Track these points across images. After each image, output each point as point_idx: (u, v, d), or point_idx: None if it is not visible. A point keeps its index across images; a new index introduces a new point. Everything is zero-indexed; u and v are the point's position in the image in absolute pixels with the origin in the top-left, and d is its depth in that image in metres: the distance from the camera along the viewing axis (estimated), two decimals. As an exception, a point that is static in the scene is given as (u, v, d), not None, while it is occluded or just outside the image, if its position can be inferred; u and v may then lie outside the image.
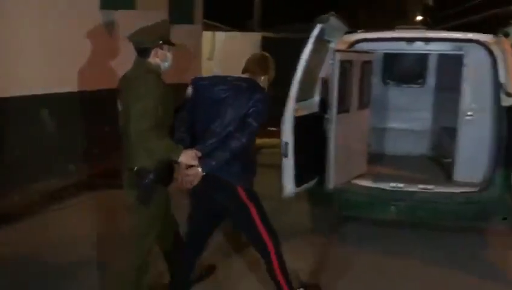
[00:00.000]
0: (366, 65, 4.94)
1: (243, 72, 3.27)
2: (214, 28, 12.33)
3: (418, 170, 5.55)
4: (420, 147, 6.37)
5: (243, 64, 3.31)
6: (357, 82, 4.79)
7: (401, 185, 4.90)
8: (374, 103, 5.64)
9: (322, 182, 4.67)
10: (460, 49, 4.99)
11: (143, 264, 3.16)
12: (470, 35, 4.89)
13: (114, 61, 7.18)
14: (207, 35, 11.38)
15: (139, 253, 3.13)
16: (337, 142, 4.54)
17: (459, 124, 5.06)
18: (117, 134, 7.17)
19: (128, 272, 3.11)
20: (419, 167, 5.64)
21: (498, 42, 4.78)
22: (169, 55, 3.11)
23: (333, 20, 4.11)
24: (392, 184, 4.89)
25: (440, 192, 4.82)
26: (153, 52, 3.02)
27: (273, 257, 3.18)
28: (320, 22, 3.98)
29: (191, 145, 3.06)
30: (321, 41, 4.36)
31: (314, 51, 4.32)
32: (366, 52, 5.02)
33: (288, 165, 4.23)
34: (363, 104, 5.04)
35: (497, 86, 4.71)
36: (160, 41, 3.03)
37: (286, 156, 4.19)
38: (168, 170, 3.08)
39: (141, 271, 3.15)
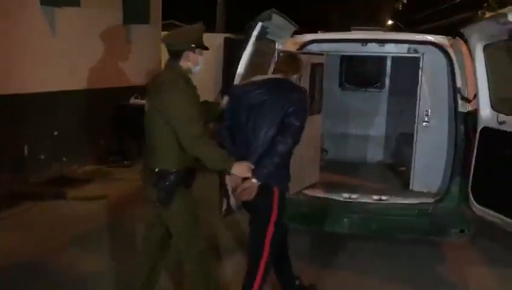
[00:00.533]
0: (317, 68, 4.62)
1: (274, 73, 3.26)
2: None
3: (374, 179, 5.27)
4: (378, 153, 6.10)
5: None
6: (306, 85, 4.45)
7: (355, 195, 4.61)
8: (331, 107, 5.35)
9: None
10: (416, 51, 4.72)
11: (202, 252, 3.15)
12: (426, 37, 4.63)
13: (56, 62, 6.74)
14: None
15: (194, 244, 3.11)
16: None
17: (415, 131, 4.80)
18: (66, 138, 6.97)
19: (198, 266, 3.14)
20: (376, 176, 5.36)
21: (455, 45, 4.53)
22: (201, 59, 3.05)
23: (276, 18, 3.76)
24: (345, 195, 4.59)
25: (395, 203, 4.54)
26: (184, 56, 2.96)
27: (260, 272, 3.06)
28: (260, 20, 3.62)
29: (239, 156, 3.01)
30: (265, 41, 4.02)
31: (257, 52, 3.98)
32: (318, 53, 4.70)
33: (227, 176, 3.84)
34: (314, 109, 4.71)
35: (454, 91, 4.46)
36: (193, 45, 2.97)
37: None
38: (190, 173, 3.05)
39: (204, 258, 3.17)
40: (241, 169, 2.94)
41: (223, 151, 2.99)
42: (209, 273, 3.21)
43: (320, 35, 4.75)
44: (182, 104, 2.85)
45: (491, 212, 3.99)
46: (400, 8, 24.19)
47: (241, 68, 3.71)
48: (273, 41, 4.22)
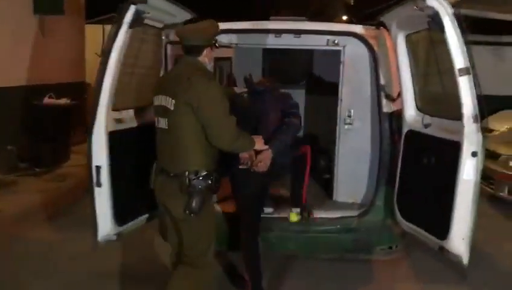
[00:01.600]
0: (222, 62, 3.95)
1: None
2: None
3: None
4: None
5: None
6: None
7: (269, 209, 4.00)
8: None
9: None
10: (337, 44, 4.14)
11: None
12: (346, 27, 4.07)
13: None
14: (96, 29, 10.08)
15: (206, 255, 2.94)
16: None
17: (337, 134, 4.25)
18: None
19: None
20: None
21: (379, 36, 3.98)
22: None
23: (155, 1, 3.06)
24: None
25: (314, 218, 3.96)
26: (205, 52, 2.88)
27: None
28: (133, 2, 2.92)
29: None
30: (147, 29, 3.33)
31: (140, 42, 3.30)
32: (225, 46, 4.04)
33: (103, 197, 3.13)
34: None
35: (378, 89, 3.92)
36: (214, 41, 2.92)
37: (99, 185, 3.10)
38: (219, 175, 2.89)
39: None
40: (259, 144, 3.13)
41: (247, 134, 3.00)
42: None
43: (227, 25, 4.07)
44: (218, 96, 2.75)
45: (416, 228, 3.47)
46: (352, 3, 23.87)
47: (112, 63, 2.99)
48: (160, 30, 3.50)
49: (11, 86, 6.99)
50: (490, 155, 6.00)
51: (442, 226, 3.10)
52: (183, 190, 2.74)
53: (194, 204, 2.72)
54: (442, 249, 3.13)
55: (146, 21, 3.17)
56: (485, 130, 7.84)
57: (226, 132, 2.78)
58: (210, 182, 2.78)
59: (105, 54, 2.98)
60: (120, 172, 3.23)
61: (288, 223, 3.92)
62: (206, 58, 2.90)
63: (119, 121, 3.26)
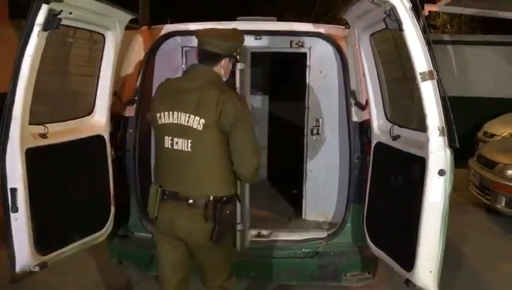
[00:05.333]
0: None
1: None
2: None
3: (257, 205, 4.21)
4: (261, 170, 5.08)
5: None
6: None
7: None
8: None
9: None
10: (302, 45, 3.73)
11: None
12: (312, 27, 3.64)
13: None
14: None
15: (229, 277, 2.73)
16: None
17: (305, 145, 3.84)
18: None
19: None
20: (260, 200, 4.28)
21: (349, 36, 3.55)
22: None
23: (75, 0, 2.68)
24: None
25: (277, 241, 3.54)
26: (223, 62, 2.52)
27: None
28: (46, 1, 2.54)
29: None
30: (78, 32, 2.95)
31: (68, 47, 2.94)
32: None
33: (21, 224, 2.74)
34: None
35: (347, 95, 3.49)
36: (235, 53, 2.56)
37: (15, 210, 2.73)
38: (239, 198, 2.70)
39: None
40: None
41: None
42: None
43: (181, 26, 3.69)
44: (248, 119, 2.43)
45: (384, 255, 3.03)
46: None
47: (25, 71, 2.62)
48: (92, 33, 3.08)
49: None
50: (486, 163, 5.54)
51: (407, 256, 2.67)
52: (209, 216, 2.42)
53: (221, 231, 2.45)
54: (408, 282, 2.70)
55: (69, 22, 2.78)
56: (486, 135, 7.49)
57: (249, 167, 2.44)
58: (234, 206, 2.56)
59: (17, 61, 2.60)
60: (44, 194, 2.85)
61: (246, 247, 3.51)
62: (222, 69, 2.53)
63: (41, 136, 2.88)
